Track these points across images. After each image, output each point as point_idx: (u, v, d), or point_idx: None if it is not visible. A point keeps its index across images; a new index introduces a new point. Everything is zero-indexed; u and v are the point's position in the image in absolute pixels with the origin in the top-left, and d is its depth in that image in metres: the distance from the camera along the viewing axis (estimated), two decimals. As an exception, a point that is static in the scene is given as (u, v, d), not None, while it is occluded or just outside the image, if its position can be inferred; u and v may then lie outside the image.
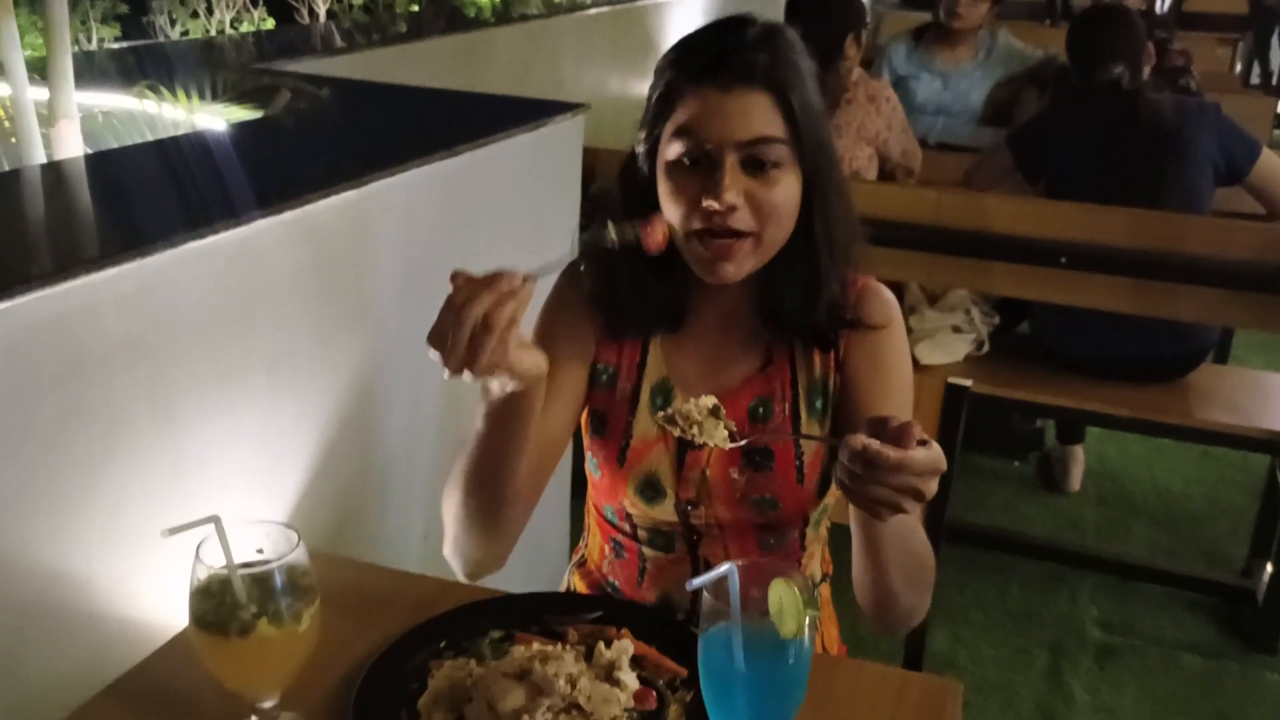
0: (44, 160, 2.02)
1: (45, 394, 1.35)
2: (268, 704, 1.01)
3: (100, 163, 1.91)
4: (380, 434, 1.99)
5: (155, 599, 1.55)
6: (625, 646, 1.14)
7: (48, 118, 2.05)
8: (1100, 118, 2.82)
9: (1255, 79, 7.24)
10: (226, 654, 0.96)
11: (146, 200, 1.69)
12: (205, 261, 1.54)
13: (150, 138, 2.23)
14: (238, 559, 0.97)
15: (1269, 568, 2.84)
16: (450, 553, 1.34)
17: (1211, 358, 2.99)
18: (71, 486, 1.42)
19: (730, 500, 1.37)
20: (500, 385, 1.15)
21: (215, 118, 2.26)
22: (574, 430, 1.44)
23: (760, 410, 1.37)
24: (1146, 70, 2.97)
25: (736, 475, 1.37)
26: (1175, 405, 2.78)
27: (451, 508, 1.31)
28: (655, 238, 1.19)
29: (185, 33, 3.35)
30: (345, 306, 1.85)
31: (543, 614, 1.23)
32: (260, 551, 0.99)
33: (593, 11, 4.68)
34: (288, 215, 1.65)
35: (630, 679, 1.10)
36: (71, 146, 2.03)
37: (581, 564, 1.58)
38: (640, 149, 1.31)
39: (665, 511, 1.40)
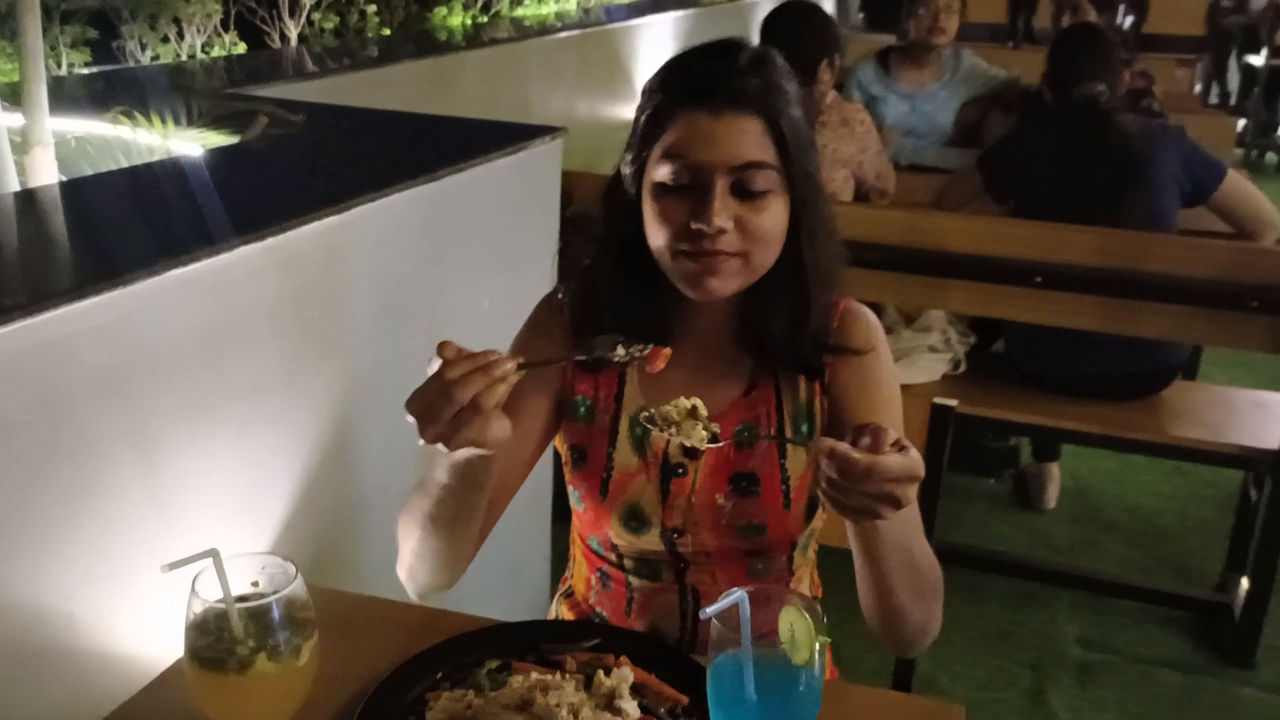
0: (17, 188, 1.99)
1: (21, 428, 1.33)
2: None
3: (75, 190, 1.89)
4: (357, 463, 1.97)
5: (138, 635, 1.53)
6: (625, 674, 1.13)
7: (21, 144, 2.02)
8: (1070, 138, 2.86)
9: (1214, 99, 7.38)
10: (224, 690, 0.94)
11: (123, 229, 1.67)
12: (183, 291, 1.52)
13: (125, 164, 2.20)
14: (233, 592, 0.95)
15: (1244, 582, 2.87)
16: (404, 576, 1.34)
17: (1180, 375, 3.02)
18: (51, 522, 1.39)
19: (716, 527, 1.36)
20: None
21: (190, 143, 2.24)
22: (535, 463, 1.42)
23: (745, 435, 1.36)
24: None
25: (722, 501, 1.36)
26: (1149, 422, 2.81)
27: (408, 540, 1.31)
28: (656, 364, 1.17)
29: (156, 57, 3.32)
30: (321, 335, 1.83)
31: (539, 643, 1.21)
32: (255, 585, 0.97)
33: (561, 35, 4.69)
34: (267, 243, 1.63)
35: (632, 707, 1.09)
36: (46, 174, 2.00)
37: (569, 594, 1.56)
38: (627, 170, 1.31)
39: (651, 541, 1.38)
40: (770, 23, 3.02)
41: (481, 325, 2.25)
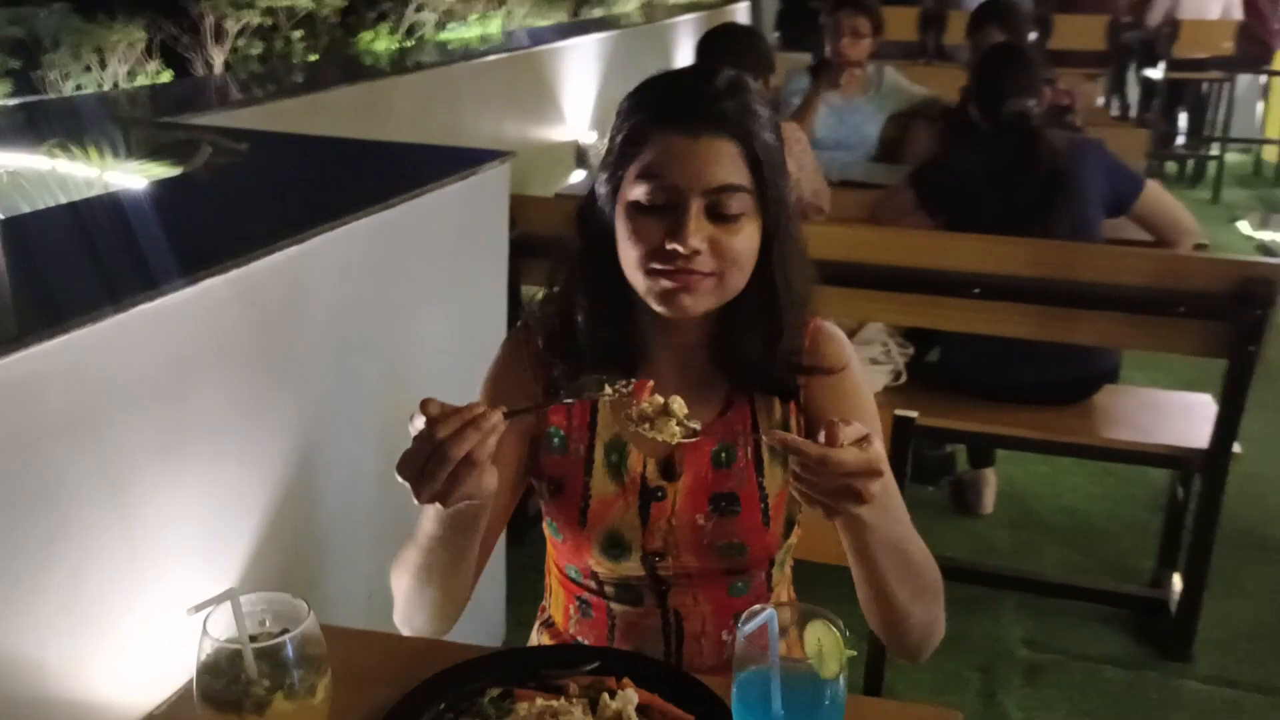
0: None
1: (-9, 472, 1.30)
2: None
3: (18, 227, 1.84)
4: (321, 496, 1.95)
5: (112, 681, 1.49)
6: (630, 696, 1.14)
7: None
8: (1000, 154, 2.94)
9: (1115, 111, 7.64)
10: (239, 733, 0.92)
11: (79, 264, 1.63)
12: (148, 326, 1.49)
13: (63, 198, 2.15)
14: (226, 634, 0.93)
15: (1176, 578, 2.97)
16: (400, 622, 1.36)
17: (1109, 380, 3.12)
18: (21, 567, 1.36)
19: (698, 548, 1.37)
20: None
21: (131, 175, 2.19)
22: (517, 501, 1.43)
23: (723, 455, 1.37)
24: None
25: (703, 521, 1.36)
26: (1083, 426, 2.90)
27: (402, 589, 1.32)
28: (642, 398, 1.18)
29: (79, 87, 3.25)
30: (282, 367, 1.81)
31: (539, 669, 1.21)
32: (263, 624, 0.96)
33: (490, 58, 4.70)
34: (230, 275, 1.62)
35: (639, 729, 1.10)
36: (-20, 210, 1.95)
37: (549, 624, 1.54)
38: (601, 189, 1.32)
39: (632, 566, 1.38)
40: (706, 44, 3.07)
41: (437, 352, 2.24)
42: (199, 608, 0.93)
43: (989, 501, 3.51)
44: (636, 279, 1.28)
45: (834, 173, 3.97)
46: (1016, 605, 3.01)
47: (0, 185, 2.23)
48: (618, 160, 1.29)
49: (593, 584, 1.44)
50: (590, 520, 1.37)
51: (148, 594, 1.54)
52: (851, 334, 3.03)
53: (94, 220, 1.80)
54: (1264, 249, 6.50)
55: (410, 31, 4.87)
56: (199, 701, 0.93)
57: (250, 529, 1.75)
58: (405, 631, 1.36)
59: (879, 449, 1.07)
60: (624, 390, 1.15)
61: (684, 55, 7.49)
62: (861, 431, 1.08)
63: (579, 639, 1.48)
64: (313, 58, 4.25)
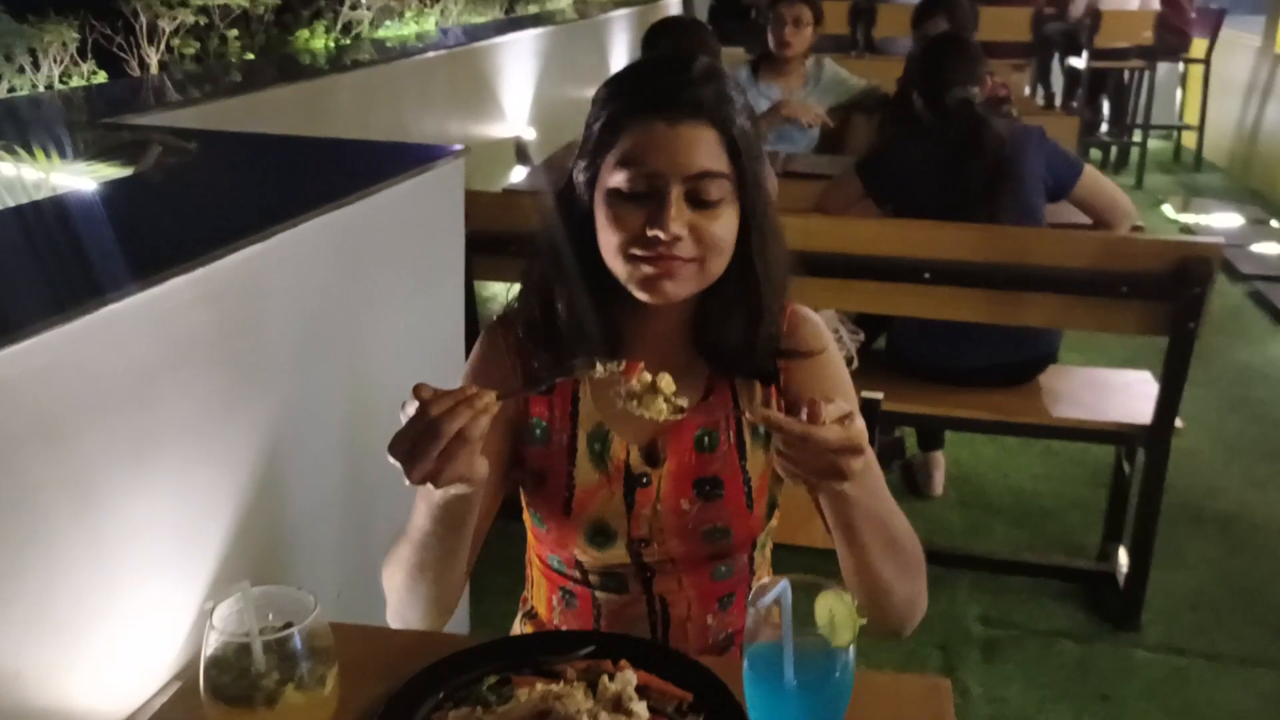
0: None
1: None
2: (289, 775, 0.97)
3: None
4: (288, 497, 1.93)
5: (88, 689, 1.47)
6: (629, 677, 1.14)
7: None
8: (945, 142, 2.99)
9: (1040, 101, 7.80)
10: (252, 727, 0.92)
11: (40, 269, 1.60)
12: (115, 329, 1.47)
13: (9, 201, 2.10)
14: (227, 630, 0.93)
15: (1122, 552, 3.06)
16: (394, 620, 1.36)
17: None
18: (-7, 577, 1.33)
19: (683, 533, 1.38)
20: (445, 490, 1.15)
21: (79, 177, 2.15)
22: (503, 495, 1.42)
23: (706, 440, 1.38)
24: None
25: (687, 506, 1.37)
26: (1031, 406, 2.96)
27: (396, 588, 1.32)
28: (632, 377, 1.19)
29: (12, 90, 3.16)
30: (248, 369, 1.79)
31: (534, 655, 1.22)
32: (267, 618, 0.96)
33: (430, 55, 4.66)
34: (194, 274, 1.59)
35: (641, 709, 1.10)
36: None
37: (532, 616, 1.55)
38: (580, 178, 1.32)
39: (617, 554, 1.39)
40: (653, 36, 3.08)
41: (398, 349, 2.23)
42: (216, 603, 0.92)
43: (939, 483, 3.58)
44: (617, 265, 1.29)
45: (777, 164, 4.02)
46: (971, 583, 3.07)
47: (-59, 190, 2.17)
48: (596, 148, 1.29)
49: (577, 574, 1.44)
50: (575, 509, 1.38)
51: (120, 600, 1.52)
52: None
53: (49, 223, 1.76)
54: (1187, 231, 6.69)
55: (346, 29, 4.82)
56: (207, 697, 0.92)
57: (220, 532, 1.72)
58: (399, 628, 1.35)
59: (861, 426, 1.09)
60: (615, 370, 1.16)
61: (619, 50, 7.51)
62: (844, 409, 1.09)
63: (564, 630, 1.48)
64: (249, 56, 4.19)
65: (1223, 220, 6.94)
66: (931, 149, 3.03)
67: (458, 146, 2.37)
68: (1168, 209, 7.21)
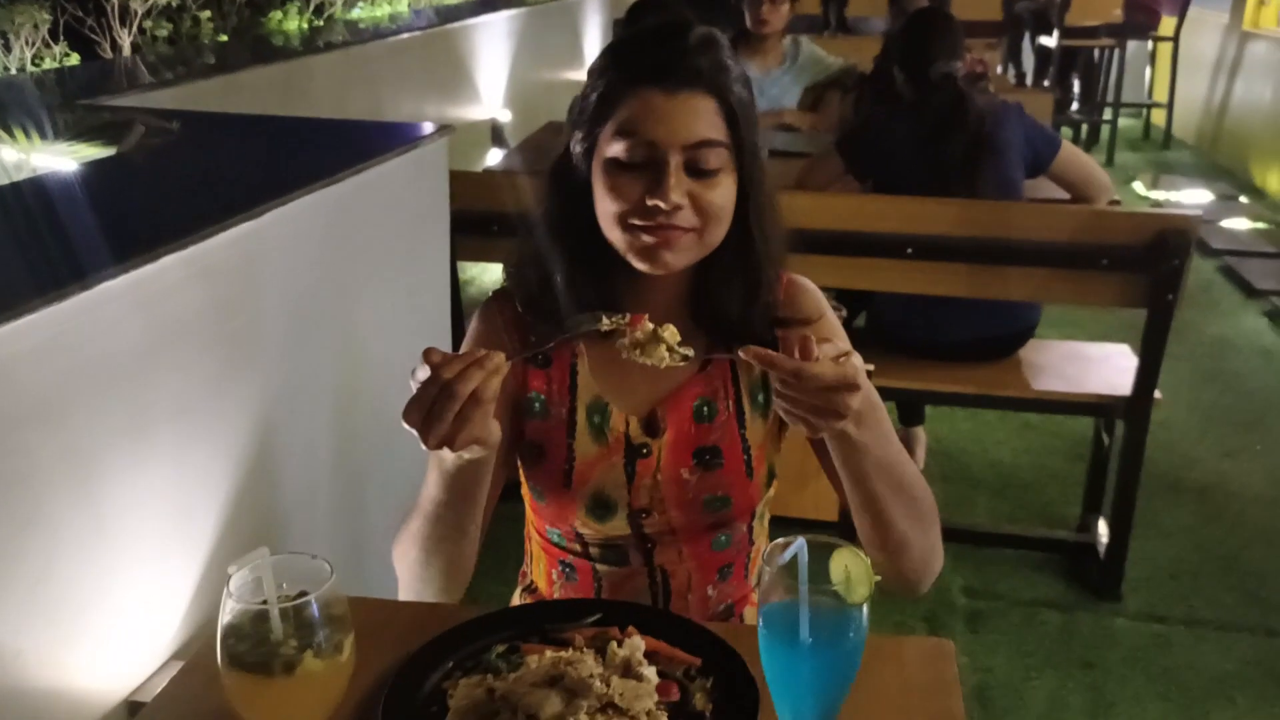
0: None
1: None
2: (306, 743, 0.97)
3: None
4: (280, 475, 1.93)
5: (89, 666, 1.47)
6: (637, 643, 1.15)
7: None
8: (928, 117, 3.01)
9: (1011, 79, 7.85)
10: (269, 694, 0.92)
11: (35, 247, 1.58)
12: (111, 306, 1.46)
13: (-10, 182, 2.07)
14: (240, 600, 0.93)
15: (1102, 523, 3.10)
16: (408, 597, 1.35)
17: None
18: (-6, 557, 1.32)
19: (683, 502, 1.39)
20: (458, 456, 1.15)
21: (60, 157, 2.12)
22: (510, 467, 1.42)
23: (705, 409, 1.39)
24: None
25: (688, 475, 1.38)
26: (1013, 379, 3.00)
27: (410, 565, 1.32)
28: (637, 330, 1.19)
29: (-16, 72, 3.13)
30: (241, 347, 1.78)
31: (542, 624, 1.23)
32: (281, 587, 0.96)
33: (405, 36, 4.63)
34: (188, 252, 1.58)
35: (650, 673, 1.11)
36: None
37: (531, 589, 1.55)
38: (577, 149, 1.32)
39: (618, 525, 1.39)
40: (634, 14, 3.08)
41: (386, 327, 2.22)
42: (239, 566, 0.92)
43: (920, 458, 3.61)
44: (615, 235, 1.29)
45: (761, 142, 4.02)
46: (954, 556, 3.10)
47: (-81, 172, 2.14)
48: (593, 118, 1.29)
49: (577, 546, 1.44)
50: (575, 482, 1.38)
51: (118, 579, 1.52)
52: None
53: (39, 202, 1.75)
54: (1158, 207, 6.76)
55: (319, 10, 4.78)
56: (225, 666, 0.92)
57: (215, 509, 1.72)
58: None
59: (856, 363, 1.08)
60: (621, 322, 1.16)
61: (594, 32, 7.48)
62: (840, 349, 1.09)
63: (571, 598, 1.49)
64: (222, 38, 4.15)
65: (1193, 196, 7.02)
66: (913, 125, 3.04)
67: (443, 125, 2.37)
68: (1138, 186, 7.28)
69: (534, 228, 1.39)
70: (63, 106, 2.42)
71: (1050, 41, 7.80)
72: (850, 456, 1.18)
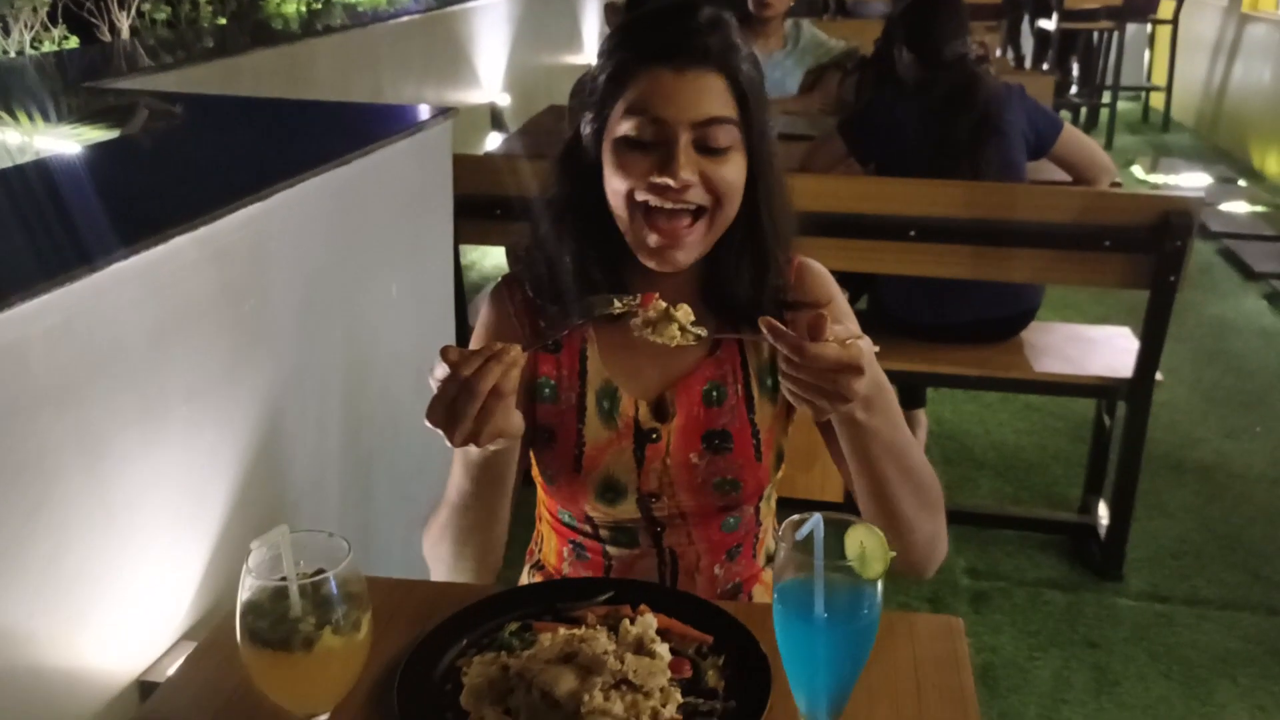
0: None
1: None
2: (322, 717, 0.98)
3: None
4: (290, 459, 1.93)
5: (98, 650, 1.47)
6: (650, 621, 1.16)
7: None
8: (937, 97, 2.99)
9: (1010, 62, 7.84)
10: (289, 670, 0.92)
11: (45, 229, 1.58)
12: (122, 289, 1.46)
13: (-5, 165, 2.07)
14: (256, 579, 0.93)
15: (1103, 504, 3.11)
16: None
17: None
18: (7, 539, 1.33)
19: (693, 486, 1.39)
20: (483, 447, 1.15)
21: (65, 140, 2.12)
22: (529, 452, 1.43)
23: (714, 394, 1.39)
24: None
25: (696, 460, 1.38)
26: (1016, 361, 3.00)
27: (442, 557, 1.34)
28: (649, 308, 1.19)
29: (-16, 55, 3.12)
30: (250, 329, 1.78)
31: (554, 602, 1.23)
32: (298, 564, 0.96)
33: (404, 19, 4.62)
34: (198, 233, 1.58)
35: (664, 650, 1.12)
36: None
37: (539, 567, 1.55)
38: (586, 129, 1.32)
39: (628, 509, 1.40)
40: (635, 1, 3.07)
41: (391, 311, 2.22)
42: (261, 542, 0.93)
43: (921, 440, 3.61)
44: (624, 222, 1.29)
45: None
46: (957, 537, 3.11)
47: (-78, 155, 2.14)
48: (603, 98, 1.29)
49: (588, 528, 1.45)
50: (585, 466, 1.39)
51: (129, 559, 1.52)
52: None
53: (49, 184, 1.74)
54: (1157, 190, 6.76)
55: (317, -7, 4.77)
56: (245, 642, 0.92)
57: (226, 491, 1.73)
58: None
59: (864, 348, 1.08)
60: (633, 303, 1.17)
61: (592, 14, 7.45)
62: (851, 333, 1.09)
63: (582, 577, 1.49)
64: (221, 21, 4.13)
65: (1191, 180, 7.02)
66: (919, 106, 3.03)
67: (445, 108, 2.36)
68: (1137, 169, 7.28)
69: (544, 211, 1.39)
70: (64, 90, 2.42)
71: (1049, 24, 7.78)
72: (858, 440, 1.18)
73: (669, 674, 1.10)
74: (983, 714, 1.11)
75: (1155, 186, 6.87)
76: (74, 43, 3.46)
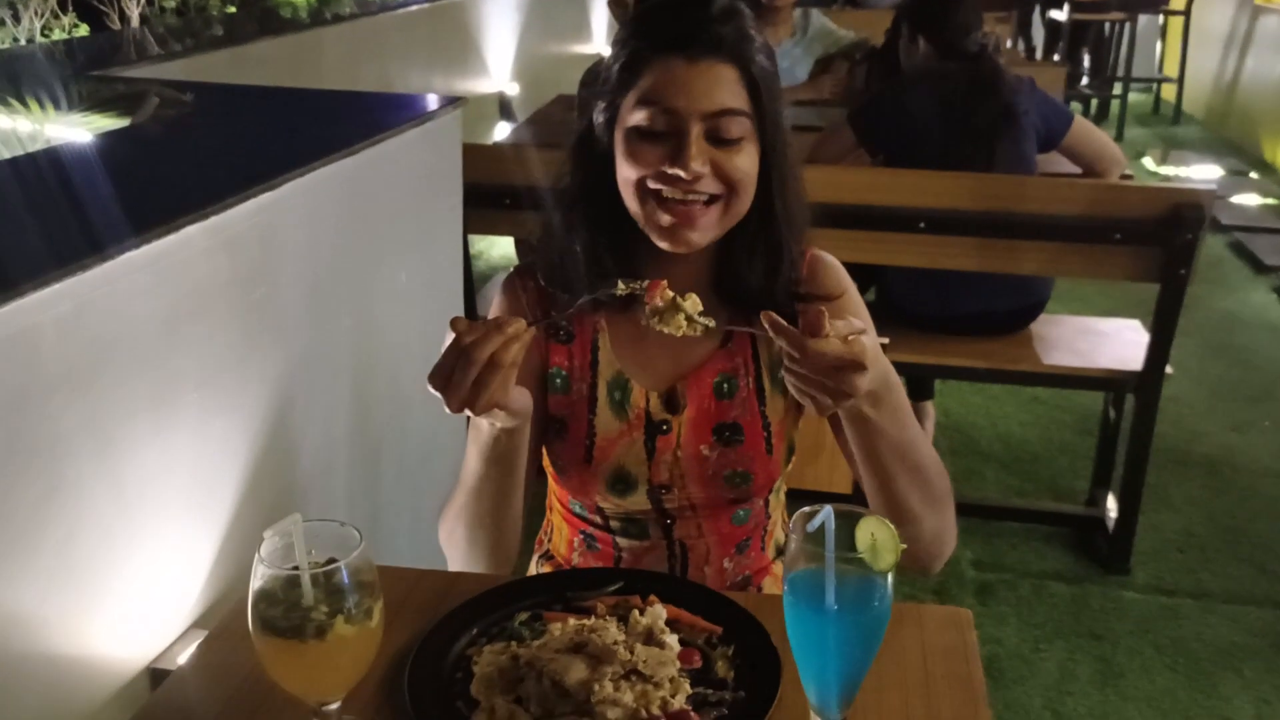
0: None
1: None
2: (333, 705, 0.98)
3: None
4: (299, 446, 1.94)
5: (109, 637, 1.48)
6: (659, 611, 1.16)
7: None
8: (956, 86, 2.97)
9: (1021, 53, 7.81)
10: (301, 658, 0.93)
11: (57, 217, 1.59)
12: (134, 277, 1.47)
13: (4, 153, 2.07)
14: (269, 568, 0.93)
15: (1111, 497, 3.11)
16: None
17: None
18: (19, 526, 1.34)
19: (703, 478, 1.39)
20: (491, 425, 1.18)
21: (75, 128, 2.12)
22: (543, 439, 1.43)
23: (725, 386, 1.39)
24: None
25: (707, 452, 1.38)
26: (1025, 354, 2.99)
27: (458, 543, 1.35)
28: (655, 295, 1.19)
29: (-7, 43, 3.13)
30: (261, 317, 1.79)
31: (564, 592, 1.24)
32: (310, 553, 0.96)
33: (413, 8, 4.61)
34: (209, 222, 1.59)
35: (673, 640, 1.13)
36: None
37: (549, 557, 1.56)
38: (599, 119, 1.31)
39: (638, 501, 1.40)
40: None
41: (400, 299, 2.23)
42: (275, 531, 0.93)
43: (929, 432, 3.61)
44: (634, 205, 1.29)
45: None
46: (963, 529, 3.04)
47: (-67, 142, 2.14)
48: (616, 87, 1.28)
49: (598, 519, 1.45)
50: (596, 458, 1.39)
51: (140, 547, 1.53)
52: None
53: (56, 173, 1.75)
54: (1168, 182, 6.73)
55: (327, -18, 4.75)
56: (257, 631, 0.93)
57: (236, 479, 1.73)
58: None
59: (866, 344, 1.08)
60: (639, 288, 1.17)
61: (600, 4, 7.43)
62: (855, 328, 1.09)
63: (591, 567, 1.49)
64: (230, 10, 4.13)
65: (1202, 172, 6.99)
66: (933, 97, 3.02)
67: (456, 97, 2.36)
68: (1148, 161, 7.25)
69: (557, 200, 1.39)
70: (74, 78, 2.42)
71: (1060, 15, 7.75)
72: (864, 435, 1.19)
73: (678, 664, 1.10)
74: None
75: (1166, 179, 6.85)
76: (84, 30, 3.46)
